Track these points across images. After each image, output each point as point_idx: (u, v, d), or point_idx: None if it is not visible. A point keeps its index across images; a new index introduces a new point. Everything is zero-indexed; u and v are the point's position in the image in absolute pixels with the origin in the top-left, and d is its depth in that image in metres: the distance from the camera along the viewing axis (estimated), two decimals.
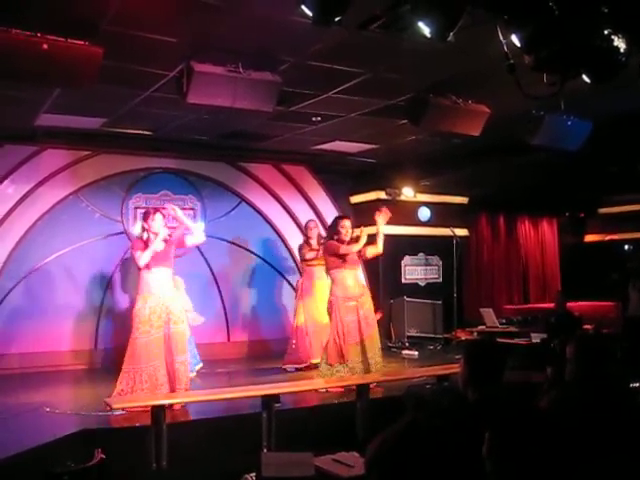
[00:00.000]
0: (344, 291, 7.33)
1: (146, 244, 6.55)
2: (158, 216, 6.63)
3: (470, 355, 2.64)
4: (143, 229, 6.67)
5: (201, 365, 8.28)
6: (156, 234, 6.56)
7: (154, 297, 6.47)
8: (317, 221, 9.70)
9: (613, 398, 2.95)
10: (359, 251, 7.43)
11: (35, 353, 8.75)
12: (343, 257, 7.33)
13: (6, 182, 8.85)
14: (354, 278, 7.46)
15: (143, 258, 6.46)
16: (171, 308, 6.52)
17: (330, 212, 10.89)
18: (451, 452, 1.76)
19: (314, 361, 8.41)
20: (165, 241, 6.66)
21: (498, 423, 1.94)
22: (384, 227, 7.59)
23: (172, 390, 6.38)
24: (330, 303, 7.41)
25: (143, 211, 6.98)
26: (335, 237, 7.40)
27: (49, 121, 7.96)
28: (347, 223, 7.45)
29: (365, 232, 7.44)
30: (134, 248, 6.65)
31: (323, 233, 9.16)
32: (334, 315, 7.31)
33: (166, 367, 6.42)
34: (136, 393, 6.28)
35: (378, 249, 7.57)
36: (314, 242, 8.96)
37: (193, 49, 5.58)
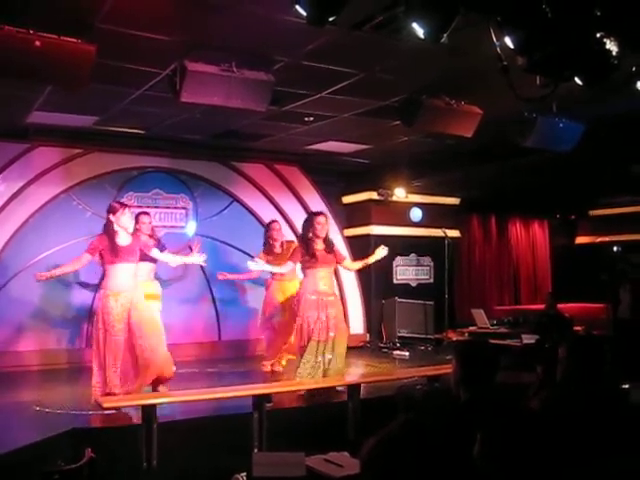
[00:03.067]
0: (314, 286, 7.06)
1: (111, 238, 6.38)
2: (126, 211, 6.48)
3: (462, 356, 2.64)
4: (109, 222, 6.45)
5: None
6: (124, 229, 6.43)
7: (123, 295, 6.36)
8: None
9: (604, 399, 2.96)
10: (335, 254, 7.24)
11: (25, 352, 8.73)
12: (313, 256, 7.07)
13: None
14: (329, 278, 7.23)
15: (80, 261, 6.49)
16: (134, 300, 6.44)
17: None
18: (445, 453, 1.77)
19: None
20: (133, 235, 6.57)
21: (490, 424, 1.95)
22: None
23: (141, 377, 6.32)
24: (298, 295, 7.22)
25: (109, 206, 6.62)
26: (310, 234, 7.10)
27: (41, 119, 7.94)
28: (322, 219, 7.18)
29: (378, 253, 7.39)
30: (88, 248, 6.49)
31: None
32: (300, 311, 7.05)
33: (132, 359, 6.35)
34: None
35: (358, 265, 7.68)
36: (277, 246, 8.63)
37: (186, 48, 5.57)
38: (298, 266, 7.44)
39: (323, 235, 7.12)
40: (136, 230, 6.87)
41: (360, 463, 1.82)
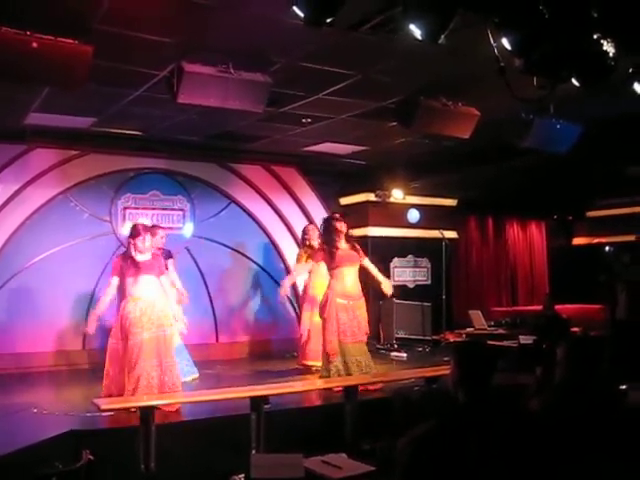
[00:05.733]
0: (341, 287, 7.30)
1: (132, 261, 6.51)
2: (148, 236, 6.58)
3: (460, 357, 2.64)
4: (129, 245, 6.60)
5: (196, 375, 8.02)
6: (142, 252, 6.54)
7: (143, 300, 6.43)
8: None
9: (602, 400, 2.97)
10: (358, 252, 7.45)
11: (22, 354, 8.70)
12: (335, 253, 7.31)
13: None
14: (354, 277, 7.40)
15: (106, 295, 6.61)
16: (162, 312, 6.49)
17: (319, 213, 10.87)
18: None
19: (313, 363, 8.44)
20: (152, 255, 6.69)
21: (489, 425, 1.95)
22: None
23: (162, 392, 6.34)
24: (325, 296, 7.38)
25: (132, 228, 6.74)
26: (332, 234, 7.36)
27: (38, 120, 7.92)
28: (338, 216, 7.54)
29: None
30: (113, 270, 6.67)
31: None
32: (328, 312, 7.26)
33: (159, 369, 6.39)
34: (127, 393, 6.26)
35: (374, 271, 7.68)
36: (315, 243, 8.70)
37: (184, 49, 5.57)
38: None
39: (344, 230, 7.38)
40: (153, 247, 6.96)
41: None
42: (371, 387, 6.89)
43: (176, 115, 7.71)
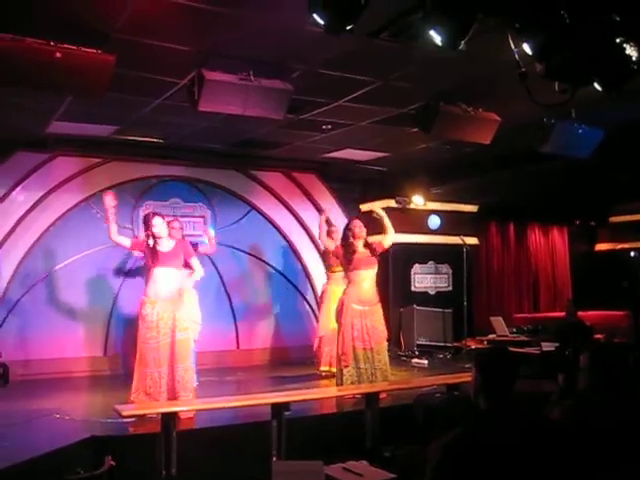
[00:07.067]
0: (357, 292, 7.30)
1: (153, 248, 6.55)
2: (157, 219, 6.60)
3: (483, 364, 2.62)
4: (147, 235, 6.63)
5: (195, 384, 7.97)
6: (159, 237, 6.57)
7: (161, 303, 6.45)
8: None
9: (626, 407, 2.93)
10: (373, 248, 7.43)
11: (45, 360, 8.77)
12: (354, 254, 7.33)
13: (18, 189, 8.90)
14: (370, 281, 7.40)
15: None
16: (177, 315, 6.50)
17: (340, 220, 10.87)
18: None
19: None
20: (176, 244, 6.71)
21: (511, 432, 1.94)
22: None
23: (173, 398, 6.36)
24: (341, 302, 7.37)
25: (143, 216, 6.97)
26: (350, 236, 7.41)
27: (61, 128, 8.01)
28: (358, 222, 7.56)
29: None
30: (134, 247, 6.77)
31: None
32: (344, 318, 7.25)
33: (168, 374, 6.41)
34: (140, 396, 6.32)
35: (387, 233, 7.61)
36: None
37: (204, 57, 5.61)
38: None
39: (363, 235, 7.41)
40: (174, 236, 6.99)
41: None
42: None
43: (197, 123, 7.76)
